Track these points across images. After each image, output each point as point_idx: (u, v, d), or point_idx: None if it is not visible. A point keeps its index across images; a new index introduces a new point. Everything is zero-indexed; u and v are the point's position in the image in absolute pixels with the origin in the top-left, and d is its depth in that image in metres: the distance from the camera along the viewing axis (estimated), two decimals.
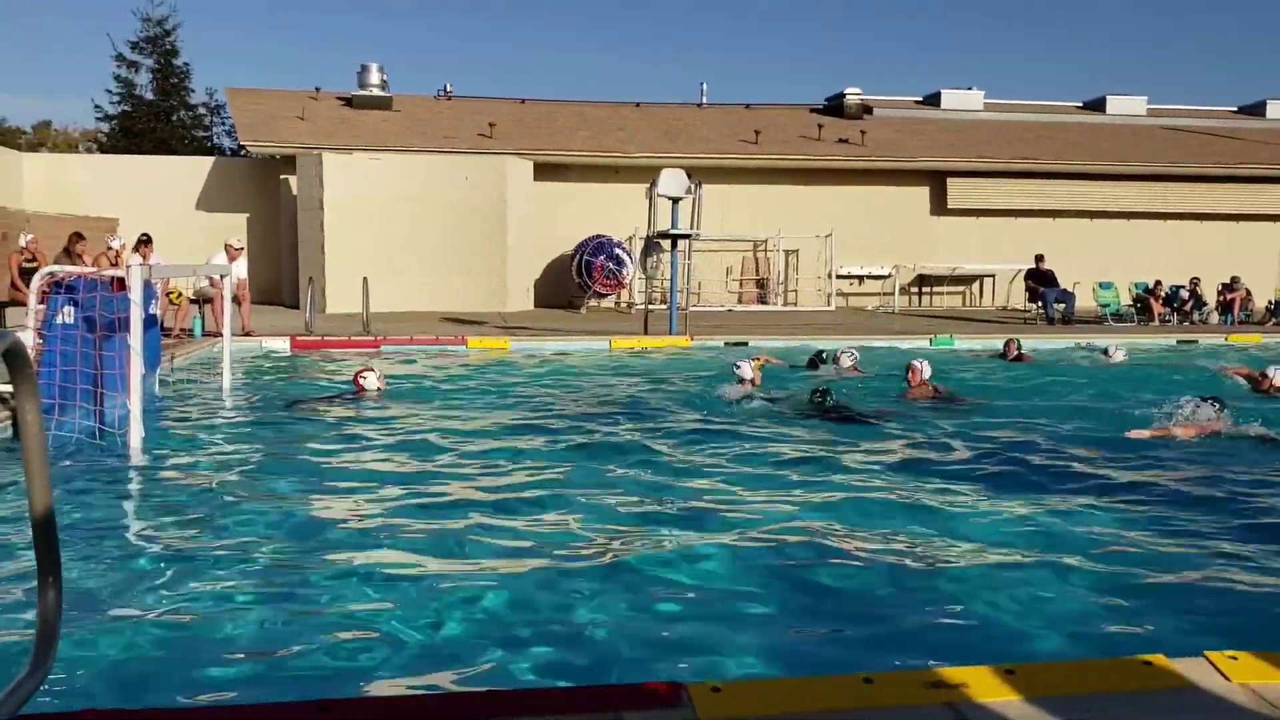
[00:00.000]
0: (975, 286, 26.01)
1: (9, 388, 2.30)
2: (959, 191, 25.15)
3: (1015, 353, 13.87)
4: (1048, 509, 5.91)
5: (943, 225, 25.50)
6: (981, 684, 2.60)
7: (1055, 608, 4.30)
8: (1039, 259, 20.63)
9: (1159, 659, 2.80)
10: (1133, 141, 27.27)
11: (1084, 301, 20.94)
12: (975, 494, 6.32)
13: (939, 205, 25.43)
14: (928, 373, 10.23)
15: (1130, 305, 21.24)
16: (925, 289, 25.75)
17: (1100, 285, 21.25)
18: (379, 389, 9.57)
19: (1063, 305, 19.82)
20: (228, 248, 14.51)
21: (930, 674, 2.69)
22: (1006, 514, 5.82)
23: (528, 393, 10.63)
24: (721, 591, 4.51)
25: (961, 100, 29.34)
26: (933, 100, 29.74)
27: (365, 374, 9.62)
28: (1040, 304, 20.02)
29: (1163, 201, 25.69)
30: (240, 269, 14.30)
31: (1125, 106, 29.86)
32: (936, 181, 25.27)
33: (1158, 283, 21.17)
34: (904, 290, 24.90)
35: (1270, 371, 10.27)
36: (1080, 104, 30.99)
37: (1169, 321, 20.44)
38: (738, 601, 4.38)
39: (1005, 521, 5.67)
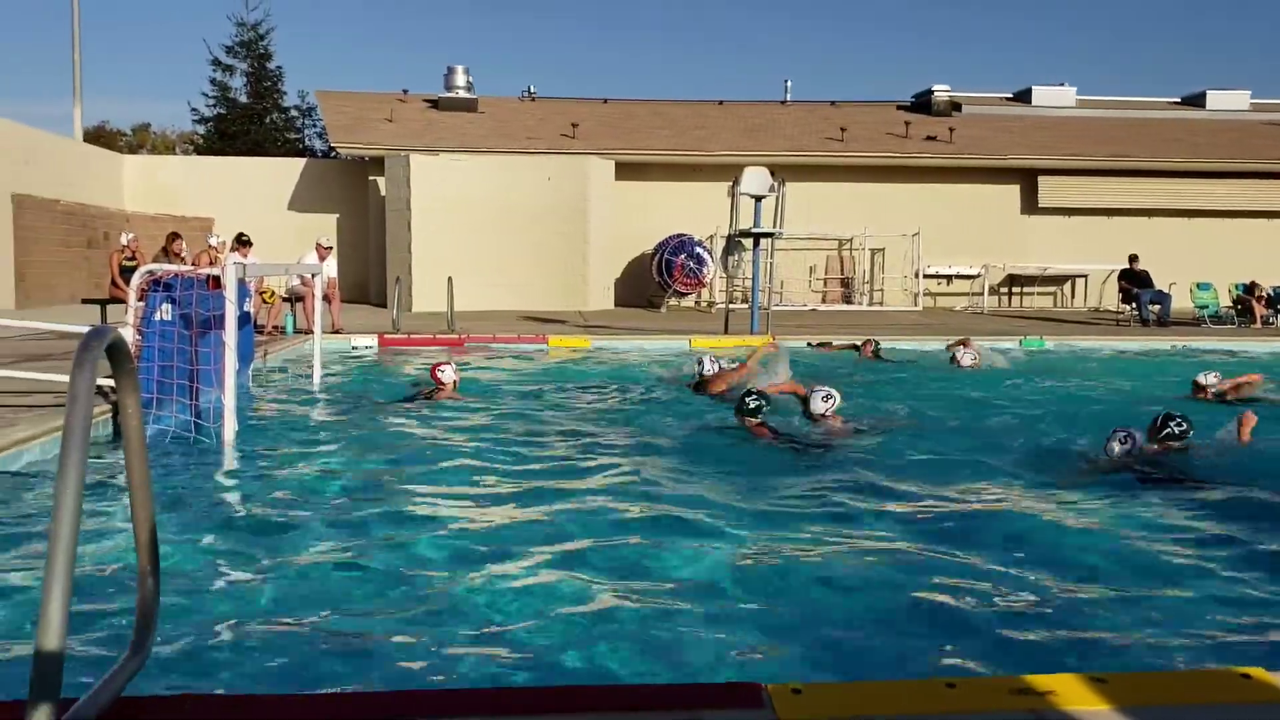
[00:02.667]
0: (1066, 287, 25.43)
1: (111, 382, 2.39)
2: (1050, 190, 24.61)
3: (871, 351, 13.63)
4: (1139, 514, 5.75)
5: (1033, 224, 24.98)
6: (1069, 692, 2.54)
7: (1150, 617, 4.19)
8: (1133, 259, 20.07)
9: (1257, 671, 2.70)
10: (1233, 137, 26.38)
11: (1181, 303, 20.32)
12: (1055, 496, 6.18)
13: (1030, 204, 24.91)
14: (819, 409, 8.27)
15: (1230, 306, 20.54)
16: (1015, 289, 25.26)
17: (1198, 286, 20.59)
18: (455, 381, 9.71)
19: (1158, 306, 19.26)
20: (318, 247, 14.84)
21: (1016, 680, 2.64)
22: (1089, 517, 5.68)
23: (606, 390, 10.67)
24: (802, 594, 4.47)
25: (1053, 97, 28.70)
26: (1023, 97, 29.15)
27: (443, 367, 9.77)
28: (1134, 305, 19.48)
29: (1265, 199, 24.83)
30: (330, 268, 14.61)
31: (1226, 101, 28.90)
32: (1027, 180, 24.75)
33: (1254, 283, 20.42)
34: (993, 290, 24.46)
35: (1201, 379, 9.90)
36: (1179, 99, 30.07)
37: (1272, 323, 19.73)
38: (819, 604, 4.34)
39: (1088, 525, 5.53)
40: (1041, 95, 28.71)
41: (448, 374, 9.69)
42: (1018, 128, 26.55)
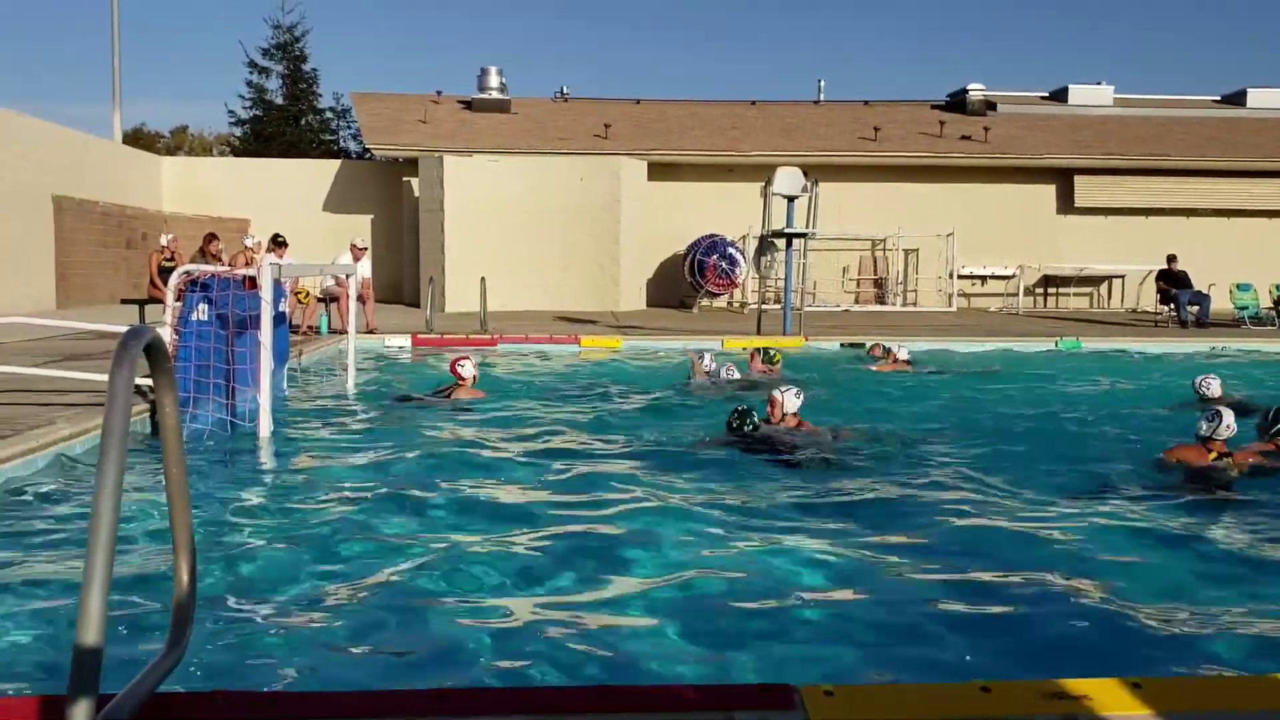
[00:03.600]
0: (1103, 288, 25.16)
1: (149, 381, 2.42)
2: (1087, 190, 24.36)
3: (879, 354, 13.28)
4: (1171, 519, 5.68)
5: (1070, 224, 24.74)
6: (1105, 697, 2.52)
7: (1187, 620, 4.13)
8: (1171, 259, 19.82)
9: None
10: (1275, 136, 25.98)
11: (1220, 304, 20.04)
12: (1089, 501, 6.11)
13: (1066, 204, 24.68)
14: (791, 406, 7.94)
15: (1270, 308, 20.22)
16: (1051, 290, 25.02)
17: (1238, 287, 20.30)
18: (474, 376, 9.76)
19: (1196, 308, 19.01)
20: (352, 247, 14.95)
21: (1051, 685, 2.61)
22: (1125, 521, 5.62)
23: (637, 390, 10.68)
24: (834, 596, 4.46)
25: (1090, 96, 28.38)
26: (1059, 96, 28.86)
27: (462, 362, 9.82)
28: (1172, 306, 19.24)
29: None
30: (364, 268, 14.72)
31: (1268, 99, 28.44)
32: (1063, 179, 24.52)
33: None
34: (1028, 291, 24.24)
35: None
36: (1218, 98, 29.66)
37: None
38: (851, 606, 4.32)
39: (1124, 528, 5.47)
40: (1078, 94, 28.40)
41: (467, 369, 9.72)
42: (1054, 127, 26.30)
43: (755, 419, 7.61)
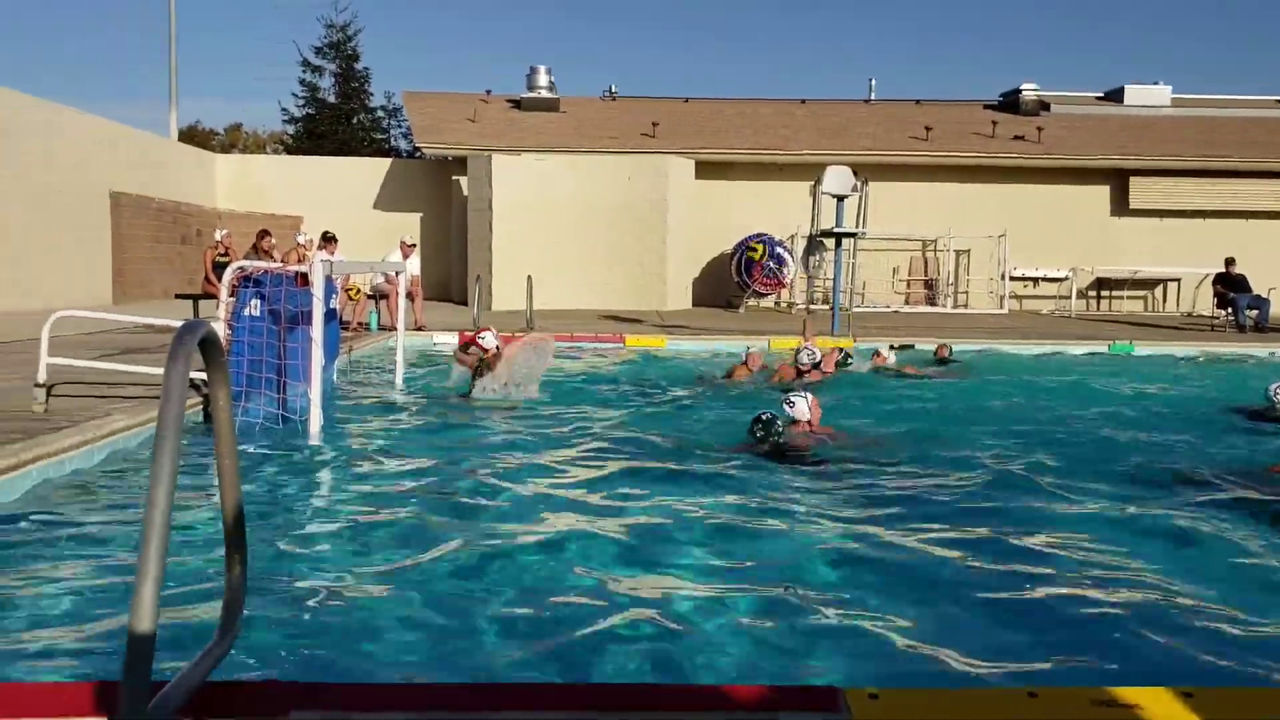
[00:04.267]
0: (1158, 291, 24.75)
1: (204, 375, 2.46)
2: (1142, 191, 23.98)
3: (945, 354, 13.40)
4: (1222, 527, 5.58)
5: (1124, 226, 24.37)
6: (1156, 705, 2.48)
7: (1240, 630, 4.05)
8: (1229, 262, 19.44)
9: None
10: None
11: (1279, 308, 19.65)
12: (1141, 509, 6.01)
13: (1120, 205, 24.30)
14: (802, 414, 7.70)
15: None
16: (1104, 293, 24.66)
17: None
18: (498, 346, 9.66)
19: (1255, 312, 18.64)
20: (402, 245, 15.09)
21: (1100, 692, 2.58)
22: (1174, 530, 5.52)
23: (679, 390, 10.68)
24: (879, 598, 4.42)
25: (1146, 96, 27.92)
26: (1115, 96, 28.42)
27: (483, 333, 9.76)
28: (1230, 310, 18.88)
29: None
30: (414, 265, 14.84)
31: None
32: (1118, 181, 24.15)
33: None
34: (1081, 294, 23.91)
35: None
36: (1277, 98, 29.06)
37: None
38: (899, 608, 4.29)
39: (1174, 537, 5.37)
40: (1134, 94, 27.95)
41: (489, 339, 9.66)
42: (1108, 127, 25.90)
43: (780, 426, 7.42)
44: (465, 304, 20.16)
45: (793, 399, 7.84)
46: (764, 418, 7.45)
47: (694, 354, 14.10)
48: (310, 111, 37.22)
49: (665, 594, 4.37)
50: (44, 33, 67.92)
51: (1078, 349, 15.06)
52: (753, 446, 7.37)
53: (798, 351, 11.17)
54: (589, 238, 20.83)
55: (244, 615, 2.60)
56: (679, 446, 7.65)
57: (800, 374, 10.89)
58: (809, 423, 7.81)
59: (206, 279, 14.42)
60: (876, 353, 12.97)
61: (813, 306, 17.52)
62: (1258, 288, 19.33)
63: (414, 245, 15.44)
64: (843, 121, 26.07)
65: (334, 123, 36.68)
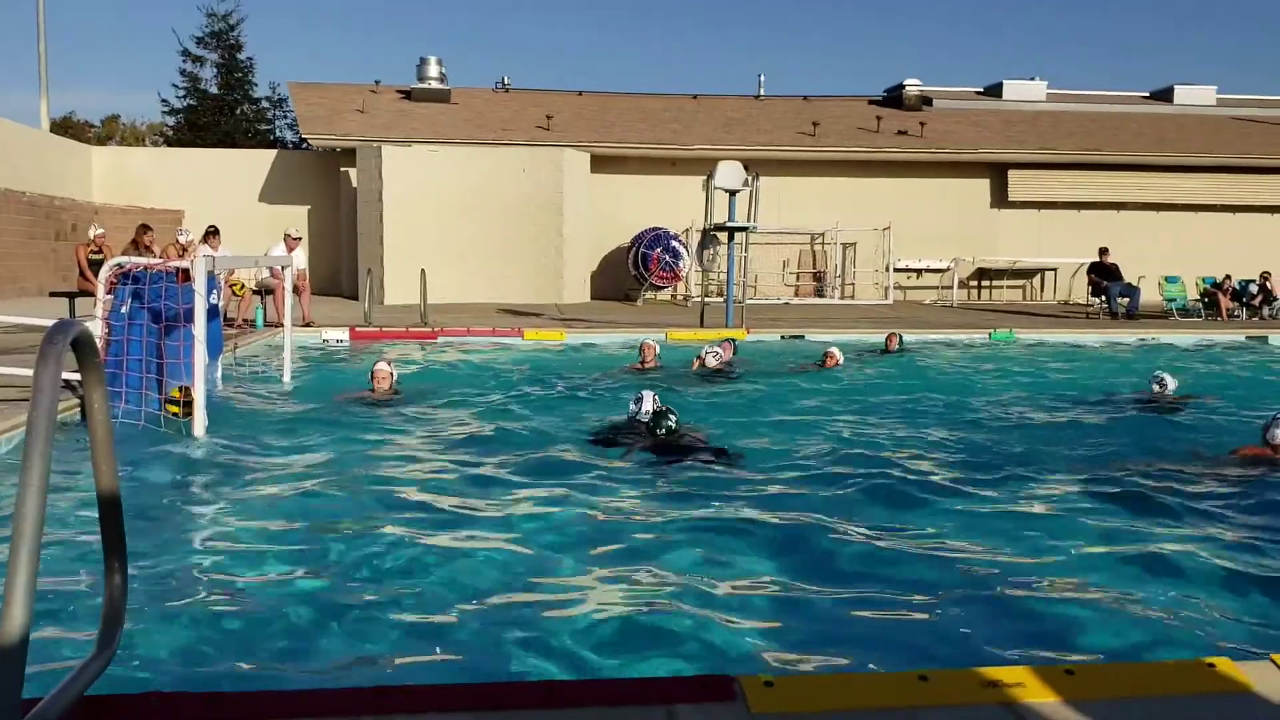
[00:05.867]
0: (1036, 280, 25.62)
1: (78, 376, 2.36)
2: (1020, 184, 24.78)
3: (896, 345, 13.71)
4: (1100, 508, 5.81)
5: (1003, 218, 25.16)
6: (1040, 685, 2.56)
7: (1116, 608, 4.23)
8: (1103, 252, 20.26)
9: (1223, 662, 2.73)
10: (1201, 132, 26.65)
11: (1149, 296, 20.53)
12: (1022, 492, 6.23)
13: (1000, 198, 25.08)
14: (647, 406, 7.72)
15: (1198, 300, 20.78)
16: (985, 283, 25.43)
17: (1166, 279, 20.82)
18: (392, 376, 9.39)
19: (1127, 300, 19.45)
20: (286, 238, 14.74)
21: (987, 673, 2.65)
22: (1056, 513, 5.73)
23: (578, 384, 10.67)
24: (773, 587, 4.49)
25: (1024, 91, 28.87)
26: (994, 91, 29.31)
27: (380, 365, 9.45)
28: (1104, 298, 19.66)
29: (1232, 194, 25.12)
30: (300, 259, 14.51)
31: (1194, 96, 29.19)
32: (997, 174, 24.92)
33: (1227, 277, 20.69)
34: (963, 284, 24.60)
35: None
36: (1147, 94, 30.34)
37: (1238, 316, 19.98)
38: (790, 597, 4.36)
39: (1055, 521, 5.58)
40: (1012, 89, 28.87)
41: (383, 370, 9.36)
42: (988, 122, 26.70)
43: (673, 421, 7.34)
44: (355, 298, 19.79)
45: (640, 393, 7.93)
46: (660, 409, 7.47)
47: (594, 346, 14.10)
48: (191, 103, 36.07)
49: (558, 590, 4.36)
50: None
51: (961, 337, 15.50)
52: (634, 436, 7.39)
53: (703, 353, 11.58)
54: (484, 231, 20.64)
55: (124, 627, 2.50)
56: (566, 440, 7.64)
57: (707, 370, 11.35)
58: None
59: (82, 276, 13.86)
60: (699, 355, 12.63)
61: (709, 300, 17.67)
62: (1129, 276, 20.19)
63: (299, 238, 15.08)
64: (735, 116, 26.33)
65: (216, 114, 35.61)
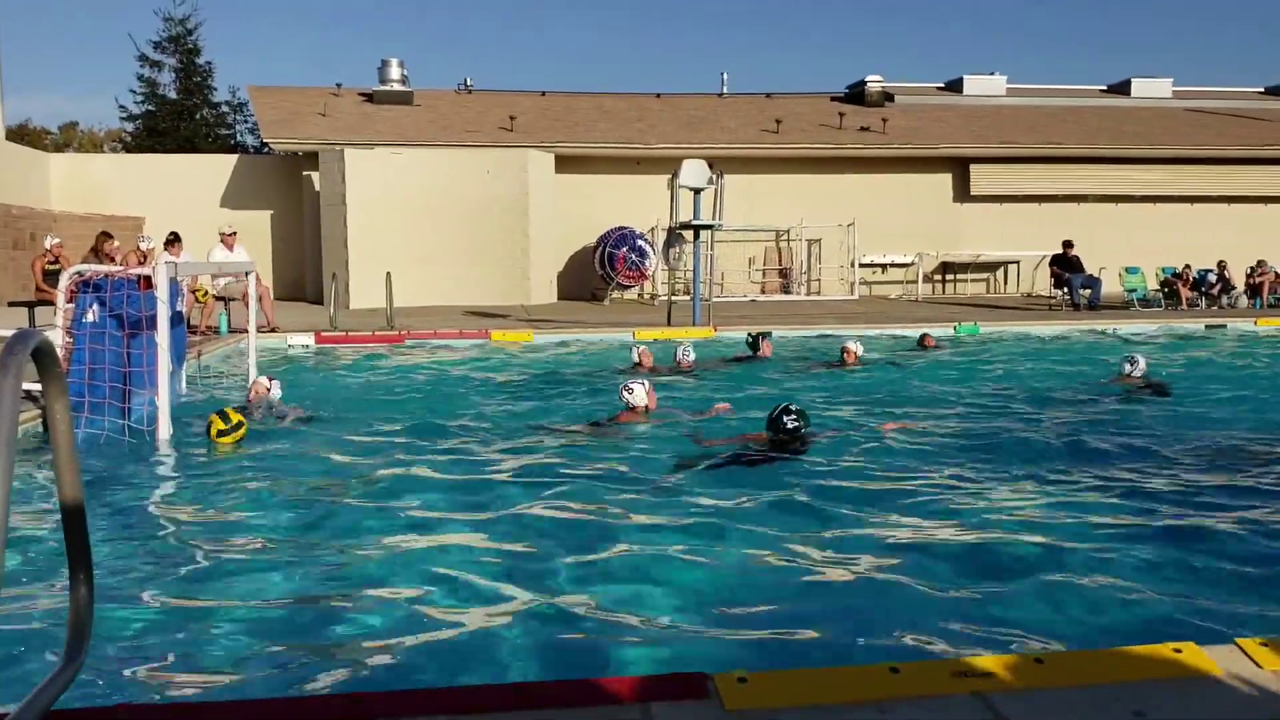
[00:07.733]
0: (999, 273, 25.85)
1: (39, 386, 2.33)
2: (982, 178, 24.98)
3: (932, 343, 13.86)
4: (1068, 496, 5.87)
5: (966, 212, 25.36)
6: (1010, 673, 2.59)
7: (1084, 597, 4.27)
8: (1066, 245, 20.46)
9: (1189, 647, 2.78)
10: (1158, 124, 26.98)
11: (1111, 287, 20.76)
12: (991, 482, 6.28)
13: (962, 192, 25.28)
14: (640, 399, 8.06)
15: (1158, 290, 21.05)
16: (949, 277, 25.62)
17: (1127, 270, 21.06)
18: (267, 389, 8.83)
19: (1089, 291, 19.66)
20: (222, 236, 14.66)
21: (958, 663, 2.68)
22: (1025, 502, 5.79)
23: (540, 384, 10.66)
24: (745, 584, 4.50)
25: (984, 86, 29.12)
26: (955, 87, 29.53)
27: (259, 381, 8.98)
28: (1066, 290, 19.86)
29: (1189, 184, 25.43)
30: (241, 254, 14.39)
31: (1150, 89, 29.54)
32: (959, 168, 25.11)
33: (1186, 267, 20.98)
34: (927, 278, 24.78)
35: None
36: (1104, 87, 30.68)
37: (1198, 305, 20.27)
38: (762, 594, 4.37)
39: (1024, 510, 5.63)
40: (973, 85, 29.11)
41: (261, 387, 8.87)
42: (950, 117, 26.90)
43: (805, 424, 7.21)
44: (321, 303, 19.64)
45: (632, 385, 7.97)
46: (794, 408, 7.07)
47: (565, 345, 14.08)
48: (150, 108, 35.63)
49: (531, 592, 4.35)
50: None
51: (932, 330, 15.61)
52: (599, 430, 7.44)
53: (675, 349, 11.87)
54: (450, 232, 20.54)
55: (91, 639, 2.47)
56: (535, 437, 7.63)
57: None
58: (646, 408, 8.04)
59: (38, 287, 13.65)
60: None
61: (676, 298, 17.69)
62: (1090, 268, 20.39)
63: (234, 234, 14.88)
64: (698, 115, 26.36)
65: (176, 119, 35.20)
